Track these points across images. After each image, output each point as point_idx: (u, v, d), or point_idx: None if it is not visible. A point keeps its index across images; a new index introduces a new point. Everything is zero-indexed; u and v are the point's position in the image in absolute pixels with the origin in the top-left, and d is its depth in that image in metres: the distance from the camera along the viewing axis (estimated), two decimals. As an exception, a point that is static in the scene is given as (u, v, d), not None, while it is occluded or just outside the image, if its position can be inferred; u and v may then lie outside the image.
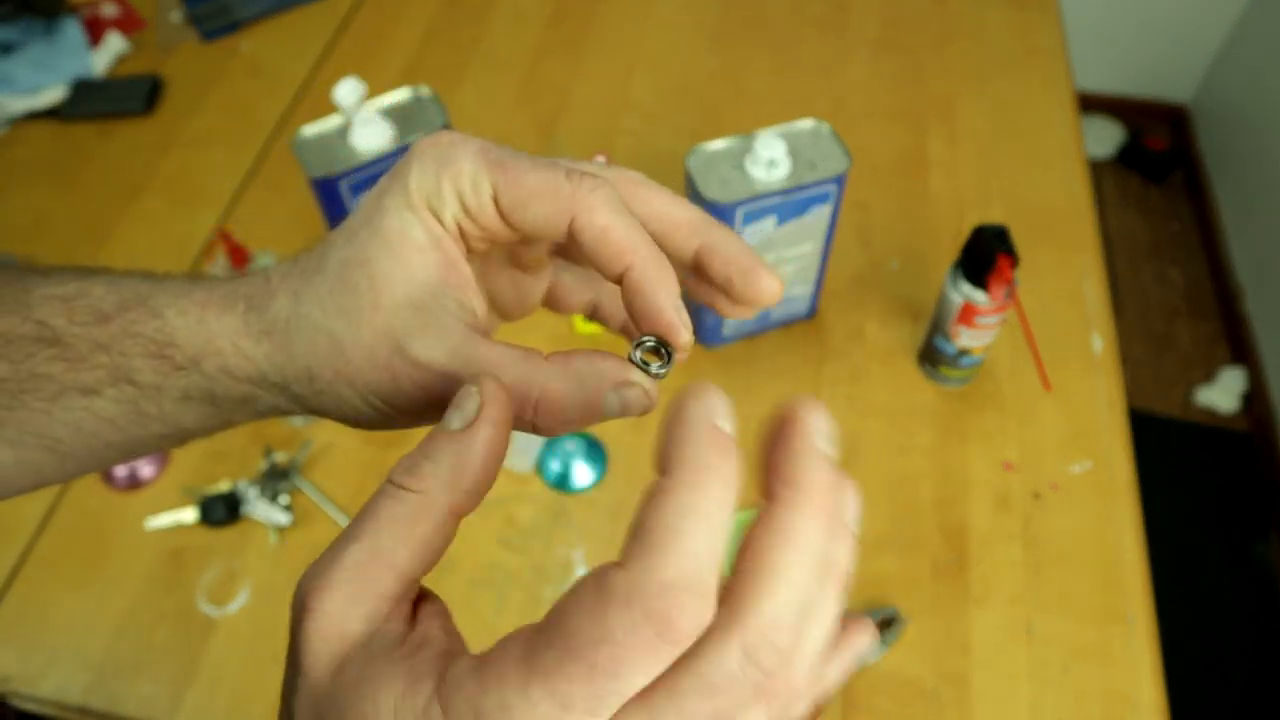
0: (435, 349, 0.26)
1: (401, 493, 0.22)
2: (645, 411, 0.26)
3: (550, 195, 0.25)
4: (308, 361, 0.28)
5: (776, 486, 0.21)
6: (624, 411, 0.25)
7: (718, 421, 0.20)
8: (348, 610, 0.21)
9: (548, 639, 0.19)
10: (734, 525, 0.20)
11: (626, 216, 0.26)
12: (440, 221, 0.27)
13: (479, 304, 0.28)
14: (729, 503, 0.20)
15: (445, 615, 0.23)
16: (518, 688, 0.18)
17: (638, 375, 0.25)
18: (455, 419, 0.23)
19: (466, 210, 0.27)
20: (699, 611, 0.19)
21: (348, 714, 0.19)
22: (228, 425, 0.30)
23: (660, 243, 0.27)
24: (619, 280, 0.26)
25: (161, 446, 0.30)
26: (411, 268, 0.27)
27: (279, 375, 0.28)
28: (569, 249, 0.29)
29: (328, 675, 0.20)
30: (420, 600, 0.23)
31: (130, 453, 0.29)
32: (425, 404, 0.27)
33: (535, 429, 0.26)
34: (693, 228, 0.28)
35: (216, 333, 0.28)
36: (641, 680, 0.18)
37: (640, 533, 0.19)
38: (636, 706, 0.18)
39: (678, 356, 0.26)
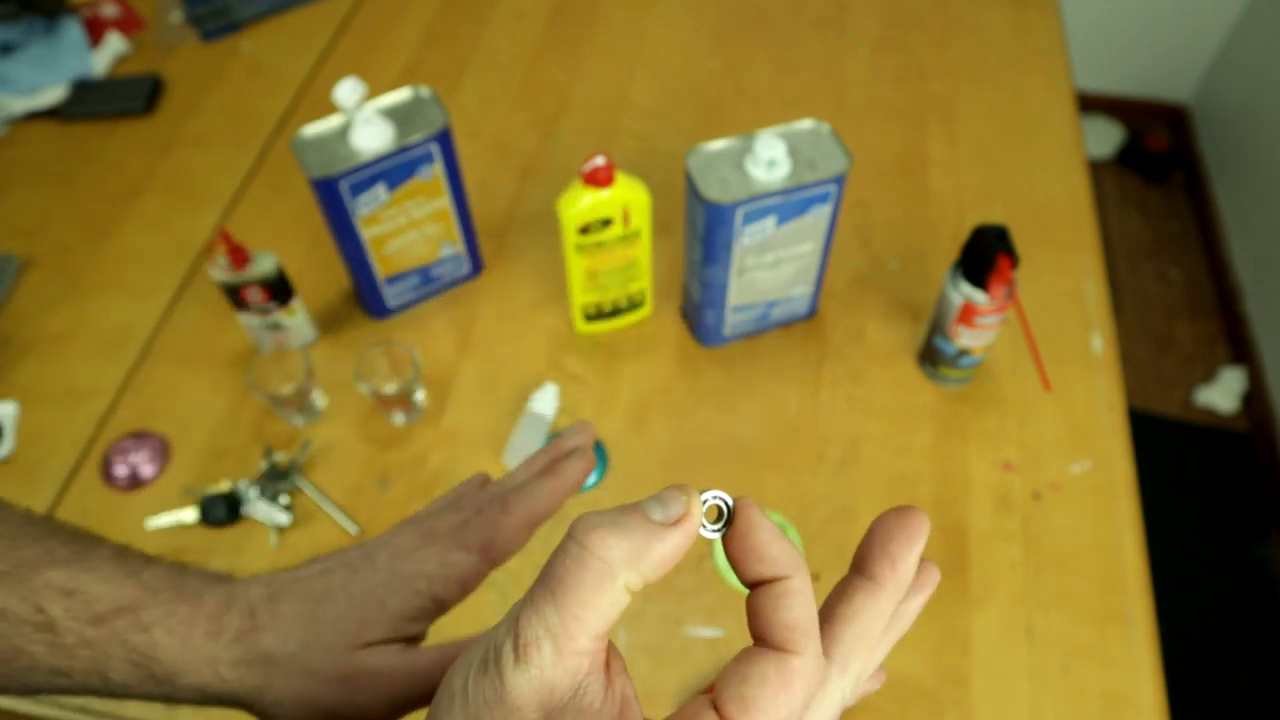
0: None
1: (585, 555, 0.22)
2: None
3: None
4: (279, 693, 0.34)
5: (885, 572, 0.26)
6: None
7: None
8: (555, 665, 0.22)
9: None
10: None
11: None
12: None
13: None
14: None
15: (625, 666, 0.25)
16: None
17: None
18: (656, 511, 0.23)
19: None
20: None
21: None
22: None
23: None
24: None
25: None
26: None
27: (246, 695, 0.34)
28: None
29: None
30: (609, 651, 0.24)
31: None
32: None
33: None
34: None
35: (200, 656, 0.34)
36: None
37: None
38: None
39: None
